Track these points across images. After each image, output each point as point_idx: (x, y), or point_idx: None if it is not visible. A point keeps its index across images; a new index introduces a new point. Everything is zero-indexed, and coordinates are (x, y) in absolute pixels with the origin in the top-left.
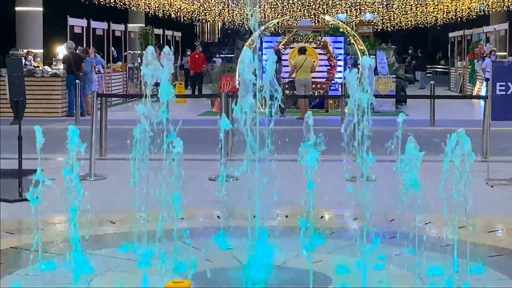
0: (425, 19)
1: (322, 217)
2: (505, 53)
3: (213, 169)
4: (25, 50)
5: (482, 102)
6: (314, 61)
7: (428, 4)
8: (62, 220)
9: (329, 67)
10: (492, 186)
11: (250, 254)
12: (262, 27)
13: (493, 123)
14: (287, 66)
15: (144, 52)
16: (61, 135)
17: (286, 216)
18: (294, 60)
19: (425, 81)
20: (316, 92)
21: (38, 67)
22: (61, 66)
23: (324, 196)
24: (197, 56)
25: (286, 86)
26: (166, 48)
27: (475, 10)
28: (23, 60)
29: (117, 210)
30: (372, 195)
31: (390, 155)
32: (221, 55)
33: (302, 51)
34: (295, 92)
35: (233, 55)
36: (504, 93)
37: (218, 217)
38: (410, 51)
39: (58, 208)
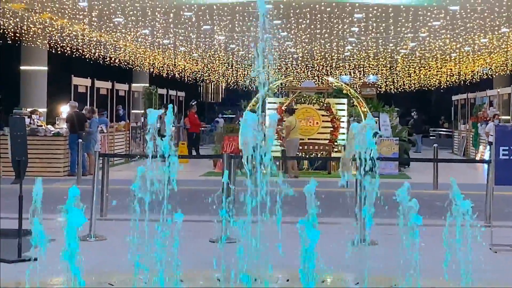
0: (428, 81)
1: (323, 281)
2: (509, 117)
3: (214, 231)
4: (29, 109)
5: (485, 166)
6: (310, 122)
7: (431, 67)
8: (60, 281)
9: (332, 129)
10: (495, 252)
11: None
12: (266, 88)
13: (497, 187)
14: None
15: (147, 111)
16: (63, 195)
17: (287, 280)
18: (287, 121)
19: (421, 144)
20: (319, 154)
21: (41, 126)
22: (64, 125)
23: (325, 259)
24: (195, 116)
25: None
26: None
27: (479, 73)
28: (27, 119)
29: (116, 272)
30: (373, 259)
31: (392, 219)
32: (224, 115)
33: (290, 111)
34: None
35: (236, 116)
36: (507, 157)
37: (218, 280)
38: (412, 114)
39: (57, 269)
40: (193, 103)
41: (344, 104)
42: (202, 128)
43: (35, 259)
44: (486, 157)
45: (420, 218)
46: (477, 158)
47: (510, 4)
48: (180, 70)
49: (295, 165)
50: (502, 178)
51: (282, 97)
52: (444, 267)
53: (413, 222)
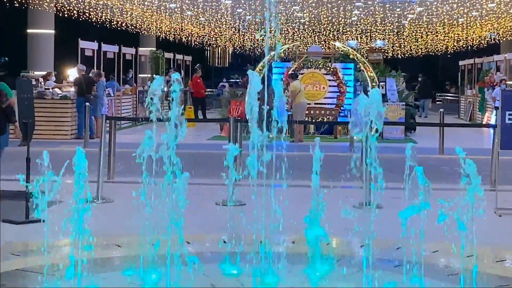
0: (435, 47)
1: (328, 243)
2: None
3: (220, 194)
4: (43, 72)
5: (491, 130)
6: (316, 87)
7: (438, 32)
8: (68, 243)
9: (338, 94)
10: (500, 216)
11: (256, 280)
12: (272, 53)
13: (502, 152)
14: None
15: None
16: (69, 158)
17: (293, 242)
18: (292, 86)
19: (427, 108)
20: (325, 118)
21: (49, 89)
22: (71, 88)
23: (331, 222)
24: (198, 80)
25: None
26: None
27: (486, 38)
28: (34, 82)
29: (123, 234)
30: (379, 222)
31: (398, 183)
32: (231, 80)
33: (294, 76)
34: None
35: (240, 80)
36: None
37: (224, 242)
38: (419, 79)
39: (65, 231)
40: (198, 68)
41: (350, 69)
42: (207, 93)
43: (43, 221)
44: (492, 121)
45: (428, 181)
46: (483, 122)
47: None
48: (187, 35)
49: (301, 130)
50: (508, 142)
51: (289, 62)
52: (449, 230)
53: (420, 183)
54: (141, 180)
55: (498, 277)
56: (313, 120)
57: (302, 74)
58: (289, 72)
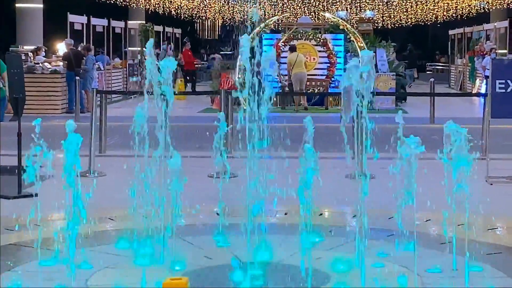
0: (425, 16)
1: (321, 214)
2: (505, 51)
3: (213, 166)
4: (33, 47)
5: (482, 99)
6: (307, 58)
7: (428, 2)
8: (61, 217)
9: (329, 65)
10: (491, 184)
11: (249, 251)
12: (262, 24)
13: (493, 121)
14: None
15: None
16: (61, 132)
17: (285, 214)
18: (288, 58)
19: (410, 77)
20: (316, 89)
21: (38, 63)
22: (61, 63)
23: (323, 193)
24: (189, 53)
25: (286, 82)
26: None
27: (475, 7)
28: (24, 57)
29: (116, 207)
30: (371, 193)
31: (389, 152)
32: (221, 52)
33: (292, 49)
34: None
35: (233, 52)
36: (503, 90)
37: (217, 214)
38: (409, 49)
39: (57, 205)
40: (186, 40)
41: (340, 39)
42: (198, 65)
43: (36, 195)
44: (483, 90)
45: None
46: (474, 92)
47: None
48: (176, 7)
49: (303, 98)
50: (498, 111)
51: (279, 33)
52: (440, 199)
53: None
54: (133, 153)
55: (490, 245)
56: (304, 91)
57: (295, 46)
58: (288, 45)
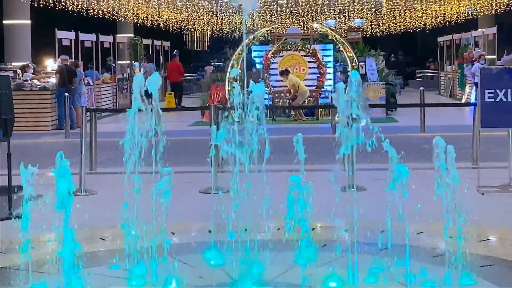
0: (414, 23)
1: (313, 228)
2: (494, 57)
3: (204, 182)
4: (21, 63)
5: (472, 107)
6: (296, 69)
7: (416, 9)
8: (52, 237)
9: (318, 75)
10: (483, 194)
11: (242, 269)
12: (251, 36)
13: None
14: (277, 74)
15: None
16: (51, 149)
17: (278, 229)
18: (289, 81)
19: (400, 85)
20: (306, 100)
21: (27, 80)
22: (50, 79)
23: (315, 206)
24: (178, 65)
25: (276, 94)
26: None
27: (464, 14)
28: (12, 74)
29: (108, 226)
30: (363, 205)
31: (381, 163)
32: (211, 64)
33: (286, 72)
34: (285, 100)
35: (222, 64)
36: (493, 100)
37: (209, 231)
38: (400, 56)
39: (48, 226)
40: (176, 53)
41: (330, 50)
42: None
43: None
44: (472, 98)
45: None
46: (464, 99)
47: None
48: (165, 20)
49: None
50: (488, 121)
51: (268, 44)
52: (432, 210)
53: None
54: (124, 171)
55: (482, 256)
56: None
57: (281, 56)
58: (280, 71)
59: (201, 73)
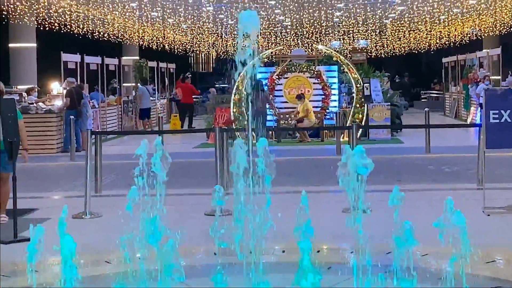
0: (418, 45)
1: (318, 251)
2: (499, 77)
3: (209, 204)
4: (26, 86)
5: (477, 128)
6: (301, 90)
7: (421, 30)
8: (57, 261)
9: (323, 96)
10: (488, 215)
11: None
12: (256, 58)
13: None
14: (282, 96)
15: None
16: (56, 172)
17: (283, 251)
18: (308, 106)
19: (404, 106)
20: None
21: (32, 103)
22: (55, 102)
23: (320, 228)
24: (190, 86)
25: (281, 116)
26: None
27: (468, 35)
28: (18, 97)
29: (112, 250)
30: (368, 227)
31: (386, 185)
32: (216, 86)
33: (303, 97)
34: (291, 122)
35: (227, 86)
36: (497, 121)
37: (215, 253)
38: (405, 77)
39: (53, 249)
40: (187, 76)
41: (334, 71)
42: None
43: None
44: (477, 119)
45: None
46: (469, 119)
47: None
48: (170, 42)
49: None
50: (493, 141)
51: (273, 66)
52: (438, 231)
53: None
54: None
55: (488, 278)
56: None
57: (286, 78)
58: (297, 94)
59: (206, 95)
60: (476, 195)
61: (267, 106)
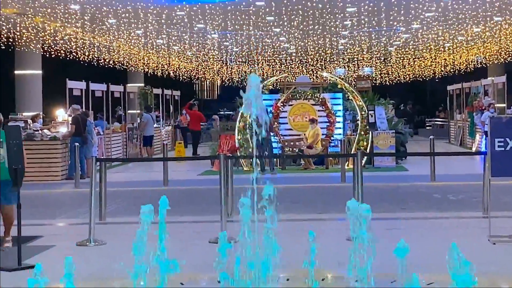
0: (423, 72)
1: (323, 279)
2: (504, 105)
3: (213, 231)
4: (31, 113)
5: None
6: (306, 118)
7: (425, 58)
8: None
9: (328, 124)
10: (494, 243)
11: None
12: (261, 85)
13: (494, 177)
14: (286, 123)
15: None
16: (61, 200)
17: (287, 280)
18: (319, 132)
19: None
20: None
21: (38, 130)
22: (60, 129)
23: (324, 256)
24: (196, 114)
25: (286, 143)
26: None
27: (473, 63)
28: (23, 123)
29: (116, 278)
30: (373, 255)
31: (391, 213)
32: (220, 113)
33: (316, 122)
34: (301, 147)
35: (232, 113)
36: (503, 149)
37: (219, 281)
38: (408, 105)
39: (57, 276)
40: (195, 103)
41: (339, 98)
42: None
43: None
44: (482, 146)
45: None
46: (474, 147)
47: None
48: (175, 69)
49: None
50: (498, 170)
51: (277, 93)
52: (443, 260)
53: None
54: (133, 221)
55: None
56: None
57: (291, 105)
58: (311, 118)
59: (211, 122)
60: (481, 223)
61: (272, 133)
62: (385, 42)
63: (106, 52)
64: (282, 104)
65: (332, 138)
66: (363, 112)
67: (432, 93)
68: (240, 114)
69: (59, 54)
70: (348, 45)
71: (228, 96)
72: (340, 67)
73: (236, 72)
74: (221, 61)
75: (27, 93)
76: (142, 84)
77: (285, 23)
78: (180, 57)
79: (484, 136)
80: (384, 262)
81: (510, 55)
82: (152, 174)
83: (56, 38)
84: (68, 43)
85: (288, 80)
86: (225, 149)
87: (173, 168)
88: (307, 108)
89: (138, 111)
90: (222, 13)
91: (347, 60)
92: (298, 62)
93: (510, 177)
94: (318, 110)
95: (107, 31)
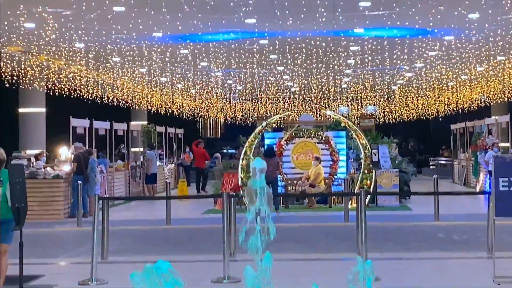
0: (426, 111)
1: None
2: (508, 144)
3: (216, 271)
4: (35, 151)
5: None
6: (309, 156)
7: (429, 97)
8: None
9: (331, 162)
10: (499, 284)
11: None
12: (264, 123)
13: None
14: (289, 161)
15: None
16: (63, 238)
17: None
18: (321, 171)
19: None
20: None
21: (40, 169)
22: (63, 167)
23: None
24: (201, 152)
25: (289, 182)
26: None
27: (477, 102)
28: (26, 161)
29: None
30: None
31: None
32: (223, 151)
33: (320, 161)
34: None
35: (235, 151)
36: (507, 189)
37: None
38: (410, 144)
39: None
40: (201, 141)
41: (343, 137)
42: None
43: None
44: (487, 186)
45: None
46: (478, 187)
47: (505, 34)
48: (178, 107)
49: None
50: (503, 210)
51: (280, 131)
52: None
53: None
54: (135, 260)
55: None
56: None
57: (294, 143)
58: (315, 155)
59: (214, 161)
60: (486, 263)
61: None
62: (388, 80)
63: (110, 90)
64: (285, 142)
65: (335, 176)
66: (366, 151)
67: (436, 132)
68: (243, 152)
69: (63, 92)
70: (351, 84)
71: (232, 134)
72: (343, 106)
73: (239, 110)
74: (224, 99)
75: (31, 131)
76: (146, 122)
77: (289, 61)
78: (183, 95)
79: (488, 176)
80: None
81: None
82: (155, 213)
83: (61, 76)
84: (72, 81)
85: (292, 118)
86: (228, 188)
87: (176, 206)
88: (310, 146)
89: (141, 149)
90: (226, 51)
91: (351, 98)
92: (302, 100)
93: None
94: (322, 149)
95: (111, 69)
